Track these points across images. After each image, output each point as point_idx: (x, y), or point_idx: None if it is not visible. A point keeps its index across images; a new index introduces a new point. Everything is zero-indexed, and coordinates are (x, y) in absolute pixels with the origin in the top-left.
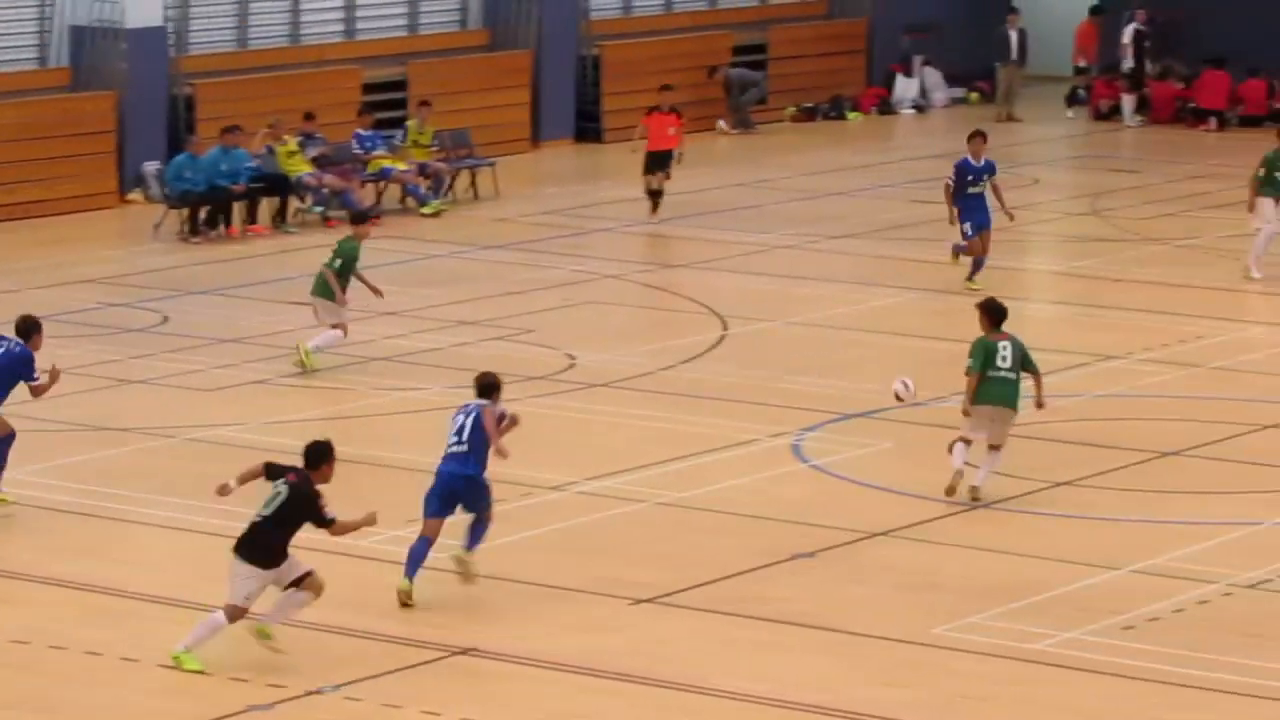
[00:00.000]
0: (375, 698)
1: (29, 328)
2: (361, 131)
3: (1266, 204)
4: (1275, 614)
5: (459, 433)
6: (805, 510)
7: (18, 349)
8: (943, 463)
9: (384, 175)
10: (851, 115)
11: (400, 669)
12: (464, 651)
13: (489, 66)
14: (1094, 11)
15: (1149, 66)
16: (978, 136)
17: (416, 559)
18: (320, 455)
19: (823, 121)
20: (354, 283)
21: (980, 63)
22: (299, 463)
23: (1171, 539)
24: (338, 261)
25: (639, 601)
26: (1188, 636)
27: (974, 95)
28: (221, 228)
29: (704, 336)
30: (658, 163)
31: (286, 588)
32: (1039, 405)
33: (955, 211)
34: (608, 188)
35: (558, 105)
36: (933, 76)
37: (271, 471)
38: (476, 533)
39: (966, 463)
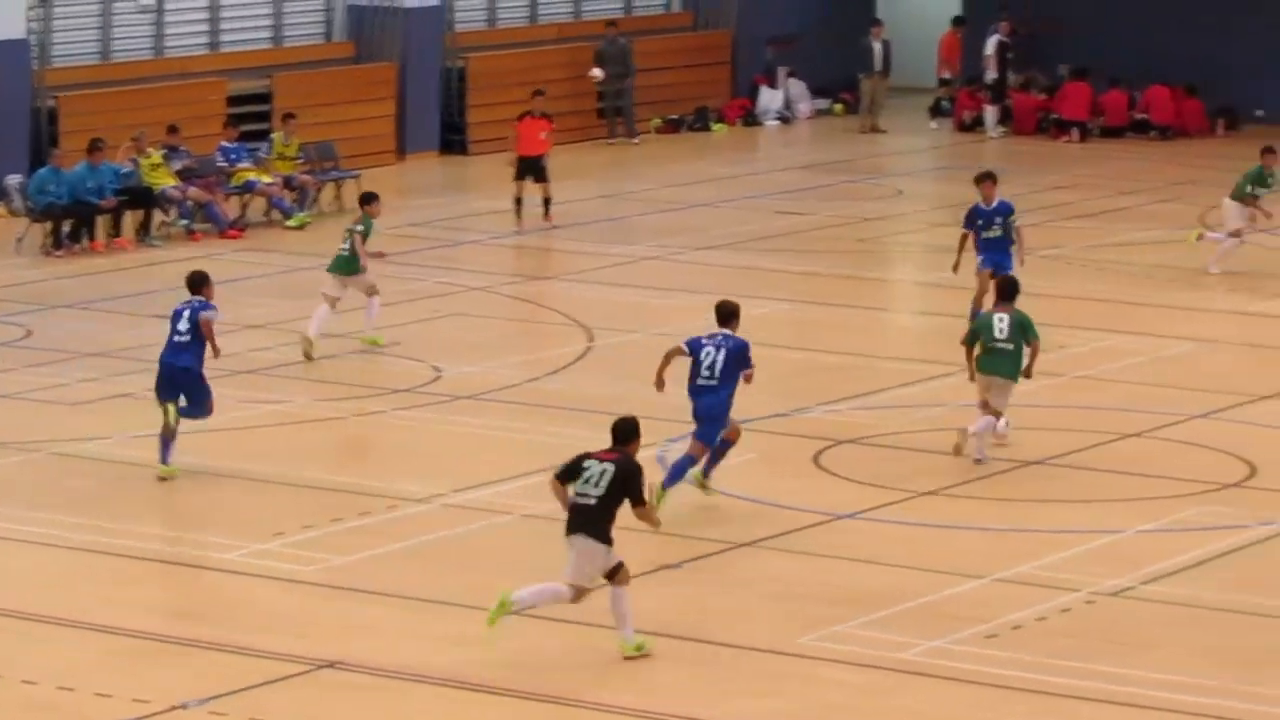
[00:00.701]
0: (241, 712)
1: None
2: (226, 144)
3: (1233, 206)
4: (1138, 622)
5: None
6: (671, 521)
7: None
8: (807, 471)
9: (249, 188)
10: (716, 127)
11: (267, 682)
12: (331, 664)
13: (354, 78)
14: (957, 23)
15: (1012, 78)
16: (987, 179)
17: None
18: (633, 431)
19: (687, 133)
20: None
21: (844, 74)
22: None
23: (1035, 547)
24: (360, 227)
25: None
26: (1051, 645)
27: (838, 106)
28: (85, 241)
29: (570, 348)
30: (528, 168)
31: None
32: (1026, 375)
33: (959, 260)
34: (474, 200)
35: (423, 117)
36: (797, 88)
37: (575, 467)
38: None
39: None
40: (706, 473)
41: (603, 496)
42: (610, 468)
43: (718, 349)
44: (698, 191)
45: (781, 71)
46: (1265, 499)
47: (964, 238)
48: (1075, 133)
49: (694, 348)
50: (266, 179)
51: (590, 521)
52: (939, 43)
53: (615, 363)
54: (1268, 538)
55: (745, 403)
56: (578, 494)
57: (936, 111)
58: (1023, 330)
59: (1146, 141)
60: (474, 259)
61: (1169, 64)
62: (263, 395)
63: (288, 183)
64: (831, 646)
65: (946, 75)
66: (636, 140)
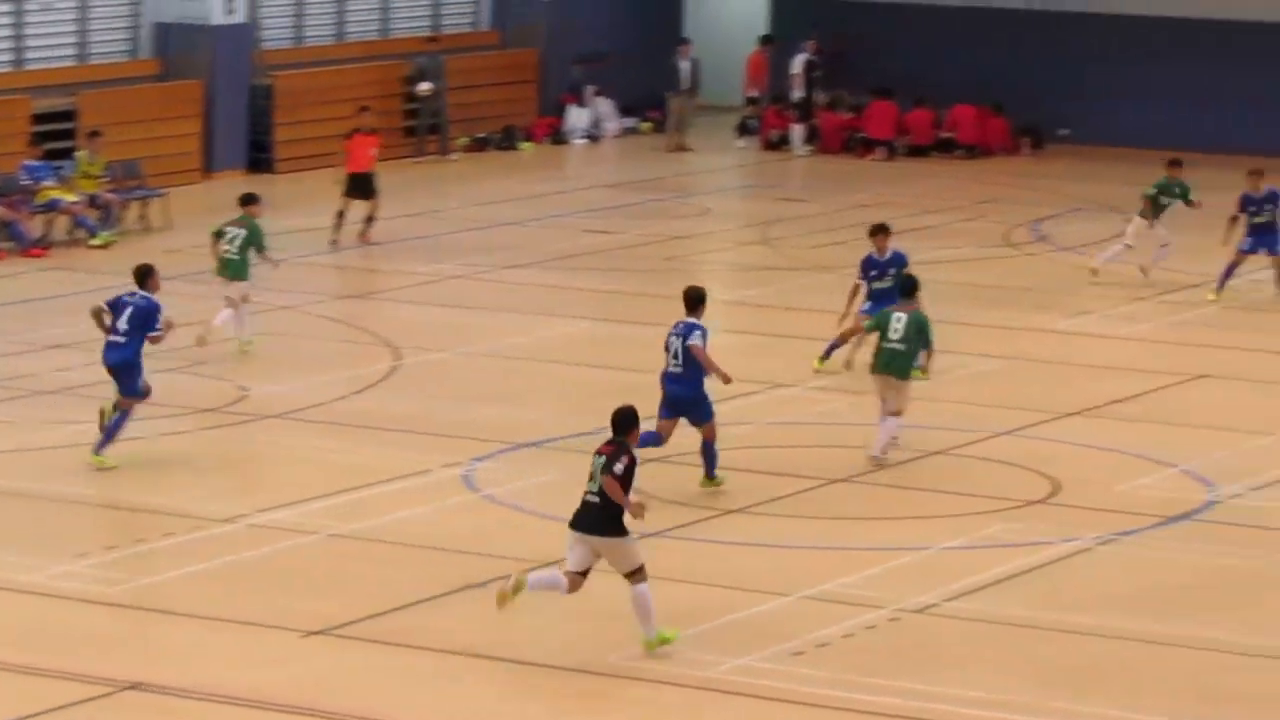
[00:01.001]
0: None
1: None
2: (30, 162)
3: (1142, 224)
4: (943, 639)
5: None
6: (477, 540)
7: None
8: None
9: (53, 206)
10: (524, 145)
11: (67, 705)
12: (132, 686)
13: (160, 96)
14: (764, 42)
15: (818, 97)
16: (880, 232)
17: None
18: (632, 420)
19: (495, 152)
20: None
21: (652, 92)
22: None
23: (842, 564)
24: (242, 231)
25: (310, 634)
26: (857, 661)
27: (646, 125)
28: None
29: (377, 367)
30: (356, 185)
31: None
32: (923, 373)
33: (848, 312)
34: (281, 218)
35: (230, 135)
36: (604, 106)
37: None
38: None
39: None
40: (710, 475)
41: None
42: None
43: (678, 337)
44: (506, 210)
45: (589, 90)
46: (1069, 515)
47: (855, 288)
48: (881, 151)
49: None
50: (71, 197)
51: (597, 519)
52: (746, 61)
53: (422, 381)
54: (1071, 554)
55: (552, 423)
56: (586, 491)
57: (743, 130)
58: (919, 331)
59: (952, 160)
60: (280, 278)
61: (974, 83)
62: (66, 415)
63: (93, 201)
64: (640, 665)
65: (753, 94)
66: (454, 158)
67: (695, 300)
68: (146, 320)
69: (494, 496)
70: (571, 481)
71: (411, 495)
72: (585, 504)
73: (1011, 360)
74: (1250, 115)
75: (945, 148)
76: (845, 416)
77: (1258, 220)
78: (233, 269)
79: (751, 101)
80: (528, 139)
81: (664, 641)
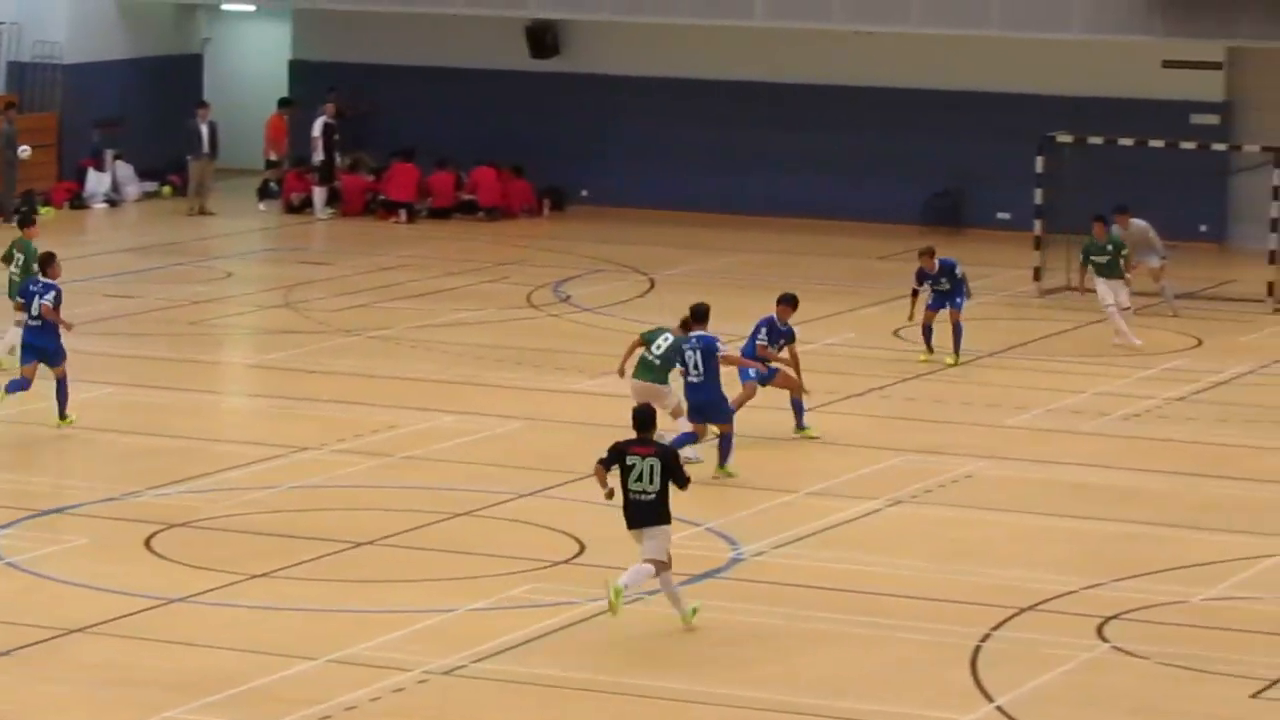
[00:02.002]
0: None
1: None
2: None
3: (1100, 284)
4: (472, 700)
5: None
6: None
7: None
8: (139, 556)
9: None
10: (44, 210)
11: None
12: None
13: None
14: (284, 105)
15: (339, 159)
16: (927, 254)
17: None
18: (653, 417)
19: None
20: None
21: (172, 156)
22: None
23: (368, 628)
24: (21, 259)
25: None
26: None
27: (166, 189)
28: None
29: None
30: None
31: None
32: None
33: (912, 313)
34: None
35: None
36: (124, 170)
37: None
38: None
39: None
40: (723, 464)
41: (660, 490)
42: (656, 462)
43: (693, 350)
44: None
45: (108, 154)
46: (594, 575)
47: (915, 292)
48: (403, 214)
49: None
50: None
51: (655, 512)
52: (266, 124)
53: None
54: (598, 613)
55: (82, 489)
56: (634, 491)
57: (265, 193)
58: (674, 357)
59: (474, 222)
60: None
61: (496, 145)
62: None
63: None
64: None
65: (273, 157)
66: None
67: (701, 315)
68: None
69: (18, 563)
70: (98, 547)
71: None
72: (639, 503)
73: (535, 421)
74: (766, 177)
75: (467, 210)
76: (368, 479)
77: (939, 289)
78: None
79: (272, 165)
80: (47, 204)
81: (695, 612)
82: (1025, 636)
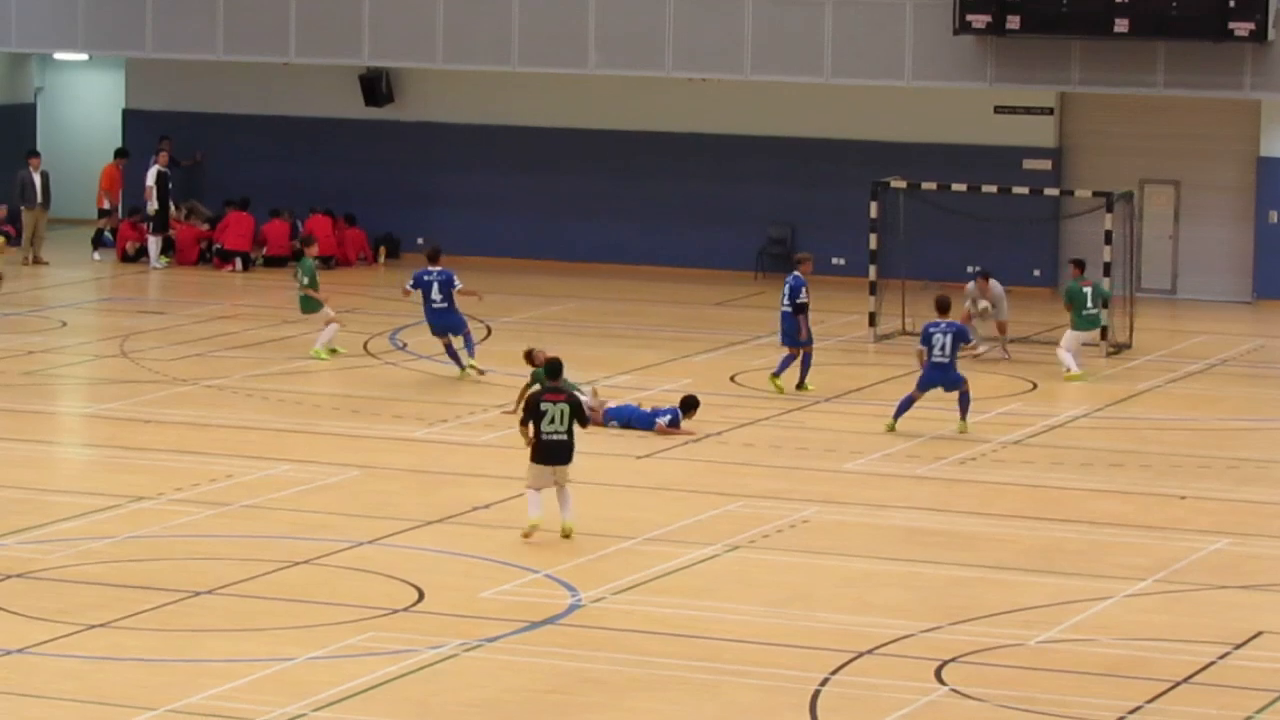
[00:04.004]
0: None
1: None
2: None
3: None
4: None
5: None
6: None
7: None
8: None
9: None
10: None
11: None
12: None
13: None
14: (119, 154)
15: (174, 209)
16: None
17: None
18: (560, 368)
19: None
20: None
21: (4, 206)
22: None
23: (208, 677)
24: (305, 279)
25: None
26: None
27: (0, 239)
28: None
29: None
30: None
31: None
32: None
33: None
34: None
35: None
36: None
37: (537, 400)
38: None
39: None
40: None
41: (568, 431)
42: (565, 407)
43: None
44: None
45: None
46: (434, 623)
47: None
48: (238, 263)
49: None
50: None
51: (565, 450)
52: (100, 174)
53: None
54: (437, 660)
55: None
56: (546, 432)
57: (99, 243)
58: (576, 418)
59: None
60: None
61: (330, 193)
62: None
63: None
64: None
65: (106, 206)
66: None
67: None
68: None
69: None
70: None
71: None
72: (550, 443)
73: (371, 470)
74: (601, 225)
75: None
76: (205, 529)
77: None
78: None
79: (105, 214)
80: None
81: (572, 528)
82: (864, 680)
